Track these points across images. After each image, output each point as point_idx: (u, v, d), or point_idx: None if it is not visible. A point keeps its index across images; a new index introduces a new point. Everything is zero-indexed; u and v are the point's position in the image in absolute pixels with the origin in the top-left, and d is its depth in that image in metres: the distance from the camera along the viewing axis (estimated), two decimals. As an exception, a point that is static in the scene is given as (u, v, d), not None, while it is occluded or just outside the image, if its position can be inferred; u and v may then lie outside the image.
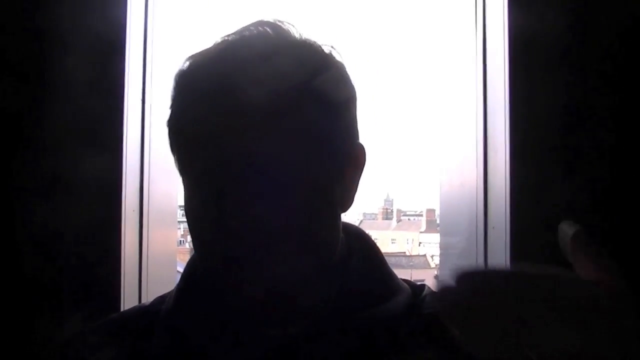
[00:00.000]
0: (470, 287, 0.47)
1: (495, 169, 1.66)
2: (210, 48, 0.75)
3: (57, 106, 1.56)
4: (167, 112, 0.75)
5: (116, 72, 1.58)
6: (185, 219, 0.75)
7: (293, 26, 0.77)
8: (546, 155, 1.53)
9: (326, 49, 0.77)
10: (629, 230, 1.46)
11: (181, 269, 0.84)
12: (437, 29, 2.18)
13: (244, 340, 0.74)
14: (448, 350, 0.74)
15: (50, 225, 1.54)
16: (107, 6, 1.59)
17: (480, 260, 1.73)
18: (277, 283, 0.71)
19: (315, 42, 0.77)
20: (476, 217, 1.75)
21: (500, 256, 1.59)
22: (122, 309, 1.52)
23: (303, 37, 0.77)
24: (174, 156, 0.76)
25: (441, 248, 2.42)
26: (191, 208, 0.73)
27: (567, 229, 0.52)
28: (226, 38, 0.76)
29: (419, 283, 0.86)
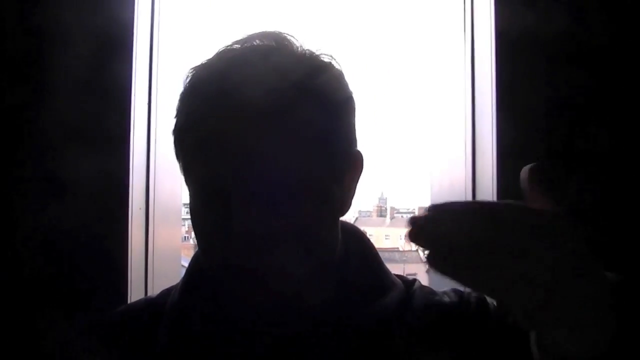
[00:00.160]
0: (438, 215, 0.51)
1: (483, 169, 1.66)
2: (213, 59, 0.75)
3: (65, 106, 1.55)
4: (172, 122, 0.76)
5: (123, 73, 1.58)
6: (189, 217, 0.75)
7: (294, 37, 0.77)
8: (531, 156, 1.53)
9: (325, 59, 0.78)
10: (611, 225, 1.46)
11: (185, 264, 0.85)
12: (427, 35, 2.18)
13: (246, 334, 0.74)
14: (438, 340, 0.75)
15: (61, 223, 1.54)
16: (114, 6, 1.58)
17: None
18: (278, 283, 0.71)
19: (314, 52, 0.77)
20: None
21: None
22: (129, 301, 1.52)
23: (304, 48, 0.77)
24: (179, 163, 0.76)
25: (432, 244, 2.42)
26: (195, 212, 0.73)
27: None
28: (229, 47, 0.76)
29: (410, 278, 0.87)
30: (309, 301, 0.75)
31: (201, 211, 0.72)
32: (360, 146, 0.80)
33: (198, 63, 0.76)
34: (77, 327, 0.87)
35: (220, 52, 0.76)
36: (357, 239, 0.84)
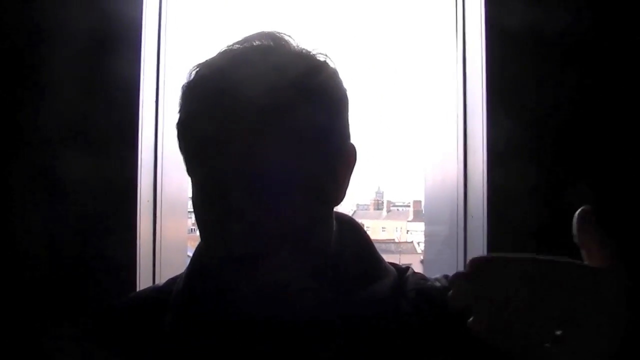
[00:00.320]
0: (481, 274, 0.46)
1: (474, 165, 1.67)
2: (215, 58, 0.76)
3: (75, 104, 1.56)
4: (176, 117, 0.76)
5: (131, 70, 1.58)
6: (193, 213, 0.76)
7: (291, 37, 0.77)
8: (519, 153, 1.54)
9: (321, 57, 0.78)
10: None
11: (191, 254, 0.85)
12: (421, 37, 2.18)
13: (245, 319, 0.74)
14: (430, 324, 0.75)
15: (74, 215, 1.55)
16: (122, 5, 1.58)
17: (461, 246, 1.74)
18: (275, 273, 0.72)
19: (310, 51, 0.77)
20: (457, 207, 1.76)
21: (479, 242, 1.60)
22: (137, 290, 1.52)
23: (300, 47, 0.77)
24: (183, 157, 0.76)
25: (426, 235, 2.43)
26: (197, 205, 0.74)
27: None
28: (230, 47, 0.76)
29: (404, 266, 0.87)
30: (305, 288, 0.75)
31: (202, 204, 0.73)
32: (358, 143, 0.81)
33: (200, 61, 0.76)
34: (90, 313, 0.88)
35: (221, 51, 0.76)
36: (352, 230, 0.84)
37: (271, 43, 0.75)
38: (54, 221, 1.54)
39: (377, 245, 0.87)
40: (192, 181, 0.75)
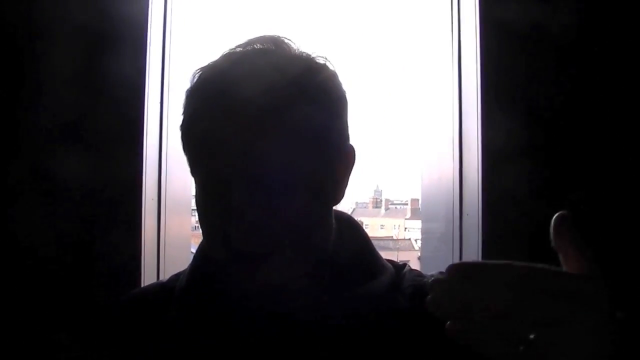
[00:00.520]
0: (459, 280, 0.47)
1: (469, 164, 1.67)
2: (218, 60, 0.76)
3: (81, 103, 1.56)
4: (180, 118, 0.76)
5: (136, 71, 1.58)
6: (196, 211, 0.76)
7: (291, 40, 0.78)
8: (513, 152, 1.54)
9: (320, 60, 0.78)
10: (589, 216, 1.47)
11: (195, 251, 0.85)
12: (417, 40, 2.18)
13: (246, 314, 0.75)
14: (426, 319, 0.75)
15: (80, 212, 1.55)
16: (128, 5, 1.58)
17: (457, 243, 1.74)
18: (276, 272, 0.72)
19: (311, 55, 0.78)
20: (452, 205, 1.76)
21: (474, 239, 1.60)
22: (142, 285, 1.53)
23: (300, 50, 0.77)
24: (186, 157, 0.76)
25: (423, 233, 2.42)
26: (200, 205, 0.74)
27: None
28: (232, 50, 0.77)
29: (401, 262, 0.87)
30: (305, 285, 0.75)
31: (205, 203, 0.73)
32: (357, 143, 0.81)
33: (203, 65, 0.76)
34: (97, 308, 0.88)
35: (224, 54, 0.76)
36: (351, 228, 0.84)
37: (272, 46, 0.76)
38: (60, 218, 1.54)
39: (375, 243, 0.87)
40: (195, 181, 0.76)
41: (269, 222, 0.70)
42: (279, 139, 0.70)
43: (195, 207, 0.77)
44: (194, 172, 0.75)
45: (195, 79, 0.75)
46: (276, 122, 0.70)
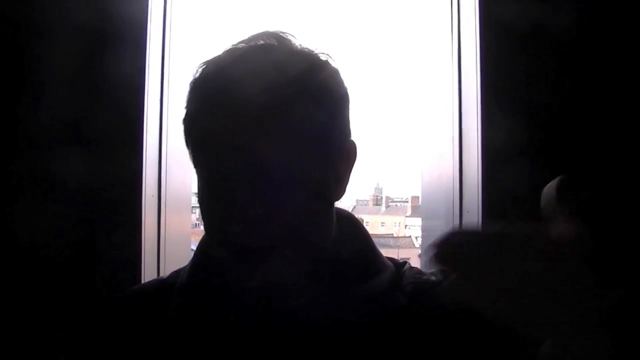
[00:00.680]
0: (459, 242, 0.50)
1: (469, 161, 1.67)
2: (221, 56, 0.76)
3: (83, 102, 1.56)
4: (182, 112, 0.76)
5: (136, 68, 1.58)
6: (198, 205, 0.76)
7: (294, 36, 0.77)
8: (513, 150, 1.54)
9: (323, 57, 0.78)
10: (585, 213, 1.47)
11: (195, 248, 0.85)
12: (417, 40, 2.18)
13: (246, 310, 0.75)
14: (426, 315, 0.76)
15: (81, 212, 1.55)
16: (128, 5, 1.58)
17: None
18: (277, 268, 0.72)
19: (313, 51, 0.77)
20: (453, 203, 1.76)
21: (474, 237, 1.60)
22: (142, 282, 1.53)
23: (302, 46, 0.77)
24: (188, 151, 0.76)
25: (423, 230, 2.43)
26: (202, 199, 0.74)
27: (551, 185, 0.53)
28: (235, 46, 0.76)
29: (401, 260, 0.87)
30: (305, 281, 0.76)
31: (207, 198, 0.73)
32: (358, 141, 0.81)
33: (207, 59, 0.76)
34: (98, 305, 0.88)
35: (226, 50, 0.76)
36: (351, 225, 0.85)
37: (274, 42, 0.76)
38: (60, 217, 1.54)
39: (376, 240, 0.87)
40: (197, 174, 0.76)
41: (270, 217, 0.70)
42: (280, 137, 0.70)
43: (195, 205, 0.77)
44: (196, 166, 0.75)
45: (198, 74, 0.75)
46: (277, 121, 0.70)
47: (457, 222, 1.73)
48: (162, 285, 0.85)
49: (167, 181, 1.72)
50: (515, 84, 1.56)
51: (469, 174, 1.67)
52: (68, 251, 1.54)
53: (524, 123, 1.54)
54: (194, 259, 0.83)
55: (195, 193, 0.77)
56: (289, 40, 0.76)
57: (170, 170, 1.73)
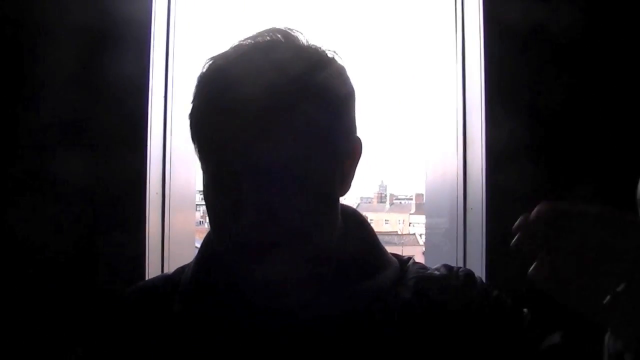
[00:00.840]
0: (551, 221, 0.45)
1: (473, 159, 1.67)
2: (228, 51, 0.76)
3: (89, 100, 1.57)
4: (189, 106, 0.76)
5: (141, 68, 1.59)
6: (203, 202, 0.76)
7: (301, 33, 0.77)
8: (516, 148, 1.54)
9: (329, 54, 0.78)
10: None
11: (199, 245, 0.86)
12: (422, 40, 2.18)
13: (251, 306, 0.75)
14: (428, 309, 0.76)
15: (86, 210, 1.56)
16: (132, 4, 1.59)
17: (461, 238, 1.75)
18: (283, 264, 0.72)
19: (320, 48, 0.77)
20: (457, 200, 1.76)
21: (478, 234, 1.61)
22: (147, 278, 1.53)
23: (309, 43, 0.77)
24: (194, 145, 0.76)
25: (427, 228, 2.43)
26: (208, 194, 0.74)
27: None
28: (243, 42, 0.77)
29: (405, 256, 0.87)
30: (310, 277, 0.76)
31: (212, 191, 0.73)
32: (363, 138, 0.81)
33: (214, 54, 0.77)
34: (103, 301, 0.89)
35: (234, 45, 0.76)
36: (356, 222, 0.85)
37: (282, 39, 0.76)
38: (64, 216, 1.55)
39: (380, 237, 0.87)
40: (203, 169, 0.76)
41: (275, 213, 0.70)
42: (284, 134, 0.70)
43: (199, 202, 0.78)
44: (202, 161, 0.75)
45: (205, 69, 0.75)
46: (281, 118, 0.70)
47: (461, 219, 1.74)
48: (168, 281, 0.85)
49: (171, 179, 1.73)
50: (518, 84, 1.57)
51: (473, 172, 1.67)
52: (73, 249, 1.55)
53: (527, 122, 1.55)
54: (198, 255, 0.83)
55: (200, 190, 0.77)
56: (296, 37, 0.76)
57: (174, 169, 1.74)
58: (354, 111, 0.80)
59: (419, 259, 1.01)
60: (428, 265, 0.87)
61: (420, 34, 2.19)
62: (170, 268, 1.66)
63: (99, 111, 1.57)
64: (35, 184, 1.56)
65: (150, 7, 1.60)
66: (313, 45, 0.77)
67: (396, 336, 0.74)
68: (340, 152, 0.77)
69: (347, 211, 0.85)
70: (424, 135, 2.21)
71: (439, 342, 0.74)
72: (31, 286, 1.52)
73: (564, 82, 1.55)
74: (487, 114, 1.56)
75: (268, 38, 0.76)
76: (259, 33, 0.77)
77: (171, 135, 1.72)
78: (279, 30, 0.76)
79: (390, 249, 0.87)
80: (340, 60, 0.79)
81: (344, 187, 0.79)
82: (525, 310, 0.79)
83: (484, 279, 0.83)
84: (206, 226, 0.78)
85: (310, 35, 0.78)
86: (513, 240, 0.46)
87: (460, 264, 1.70)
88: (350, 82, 0.79)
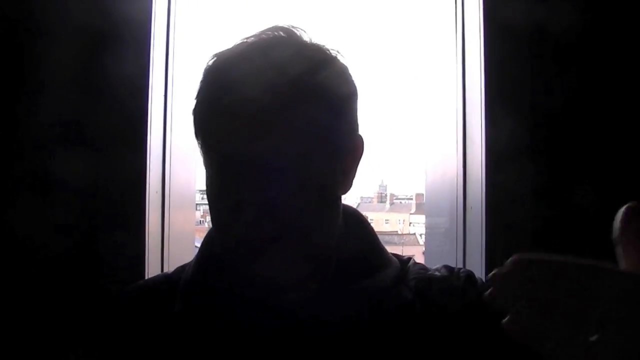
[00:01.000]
0: (523, 274, 0.44)
1: (473, 159, 1.67)
2: (232, 48, 0.76)
3: (89, 99, 1.57)
4: (192, 102, 0.76)
5: (140, 67, 1.59)
6: (203, 202, 0.76)
7: (304, 31, 0.77)
8: (516, 149, 1.54)
9: (332, 53, 0.78)
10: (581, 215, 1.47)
11: (199, 245, 0.86)
12: (422, 40, 2.19)
13: (251, 304, 0.75)
14: (429, 310, 0.76)
15: (85, 210, 1.56)
16: (131, 4, 1.59)
17: (460, 238, 1.75)
18: (283, 263, 0.72)
19: (323, 46, 0.78)
20: (456, 200, 1.76)
21: (477, 234, 1.61)
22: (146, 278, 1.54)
23: (313, 41, 0.77)
24: (197, 141, 0.76)
25: (427, 227, 2.43)
26: (211, 191, 0.74)
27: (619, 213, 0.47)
28: (246, 39, 0.77)
29: (405, 256, 0.88)
30: (310, 276, 0.76)
31: (214, 187, 0.73)
32: (364, 137, 0.81)
33: (218, 51, 0.77)
34: (103, 299, 0.89)
35: (238, 42, 0.77)
36: (356, 221, 0.85)
37: (285, 36, 0.76)
38: (64, 215, 1.55)
39: (380, 237, 0.87)
40: (205, 166, 0.76)
41: (276, 211, 0.70)
42: (285, 133, 0.70)
43: (199, 202, 0.78)
44: (205, 157, 0.75)
45: (209, 65, 0.75)
46: (282, 117, 0.70)
47: (461, 219, 1.74)
48: (167, 280, 0.86)
49: (171, 179, 1.73)
50: (518, 84, 1.57)
51: (473, 172, 1.67)
52: (73, 249, 1.55)
53: (527, 122, 1.55)
54: (199, 255, 0.84)
55: (200, 190, 0.77)
56: (299, 35, 0.77)
57: (174, 168, 1.74)
58: (356, 110, 0.80)
59: (419, 258, 1.01)
60: (428, 265, 0.87)
61: (420, 34, 2.19)
62: (170, 267, 1.66)
63: (99, 111, 1.57)
64: (35, 184, 1.56)
65: (150, 7, 1.60)
66: (316, 43, 0.77)
67: (396, 336, 0.74)
68: (341, 149, 0.77)
69: (348, 211, 0.85)
70: (424, 135, 2.22)
71: (440, 343, 0.74)
72: (31, 286, 1.52)
73: (564, 83, 1.55)
74: (487, 114, 1.56)
75: (272, 35, 0.76)
76: (263, 30, 0.77)
77: (171, 134, 1.72)
78: (283, 28, 0.77)
79: (390, 249, 0.88)
80: (343, 59, 0.79)
81: (345, 185, 0.79)
82: None
83: (484, 279, 0.83)
84: (206, 226, 0.78)
85: (313, 33, 0.78)
86: (486, 293, 0.45)
87: (460, 264, 1.70)
88: (352, 81, 0.79)
